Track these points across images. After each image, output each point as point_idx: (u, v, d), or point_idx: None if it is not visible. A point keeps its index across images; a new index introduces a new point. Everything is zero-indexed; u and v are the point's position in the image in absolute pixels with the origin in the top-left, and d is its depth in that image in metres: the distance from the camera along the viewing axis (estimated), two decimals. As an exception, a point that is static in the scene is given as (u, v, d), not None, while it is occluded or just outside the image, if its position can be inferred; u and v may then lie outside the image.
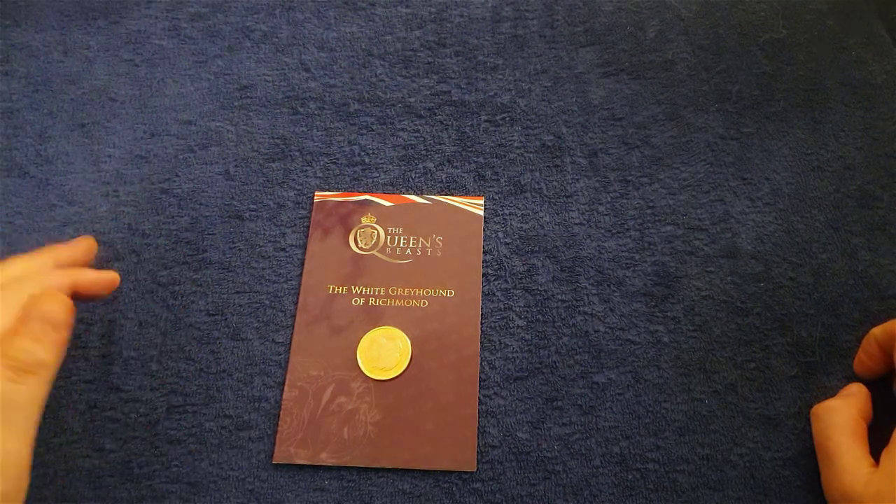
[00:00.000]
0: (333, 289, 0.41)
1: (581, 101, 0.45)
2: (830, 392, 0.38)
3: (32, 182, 0.44)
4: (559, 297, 0.40)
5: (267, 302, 0.41)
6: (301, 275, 0.41)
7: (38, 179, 0.44)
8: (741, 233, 0.42)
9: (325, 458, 0.37)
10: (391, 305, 0.40)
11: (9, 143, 0.45)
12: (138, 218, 0.43)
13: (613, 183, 0.43)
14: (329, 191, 0.43)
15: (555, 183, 0.43)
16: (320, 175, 0.44)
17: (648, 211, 0.42)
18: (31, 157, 0.45)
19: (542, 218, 0.42)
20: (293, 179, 0.43)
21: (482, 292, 0.41)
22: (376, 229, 0.42)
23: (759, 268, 0.41)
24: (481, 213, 0.43)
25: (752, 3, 0.47)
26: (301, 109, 0.45)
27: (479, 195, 0.43)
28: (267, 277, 0.41)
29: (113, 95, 0.46)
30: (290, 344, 0.39)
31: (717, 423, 0.37)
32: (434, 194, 0.43)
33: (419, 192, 0.43)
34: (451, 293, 0.40)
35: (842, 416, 0.35)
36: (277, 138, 0.44)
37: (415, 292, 0.40)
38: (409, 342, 0.39)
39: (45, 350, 0.31)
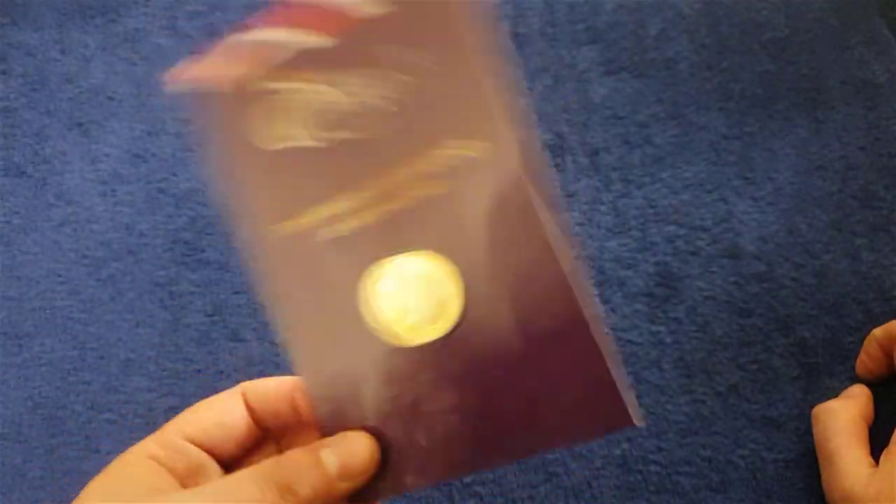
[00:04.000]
0: (280, 229, 0.24)
1: (582, 100, 0.45)
2: (833, 393, 0.37)
3: (30, 181, 0.44)
4: (560, 297, 0.40)
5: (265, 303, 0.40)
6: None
7: (35, 179, 0.44)
8: (744, 233, 0.41)
9: (412, 483, 0.24)
10: (384, 216, 0.23)
11: (6, 142, 0.45)
12: (136, 217, 0.43)
13: (615, 182, 0.43)
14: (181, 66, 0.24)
15: (556, 182, 0.43)
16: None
17: (650, 210, 0.42)
18: (29, 156, 0.44)
19: (542, 218, 0.42)
20: (292, 179, 0.43)
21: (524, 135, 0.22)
22: (291, 91, 0.23)
23: (762, 268, 0.40)
24: None
25: (754, 1, 0.47)
26: (300, 108, 0.45)
27: None
28: (265, 278, 0.41)
29: (111, 94, 0.46)
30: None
31: (719, 425, 0.37)
32: None
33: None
34: (478, 150, 0.22)
35: (842, 417, 0.35)
36: (276, 137, 0.44)
37: (413, 170, 0.22)
38: (445, 265, 0.23)
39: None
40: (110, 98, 0.46)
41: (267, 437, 0.28)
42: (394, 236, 0.23)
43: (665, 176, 0.43)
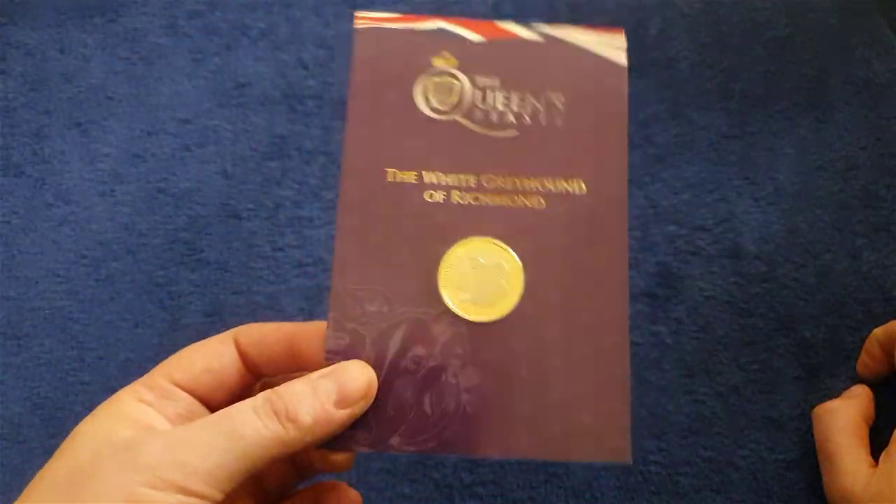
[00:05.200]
0: (395, 174, 0.26)
1: (582, 100, 0.45)
2: (834, 393, 0.37)
3: (29, 181, 0.44)
4: (560, 297, 0.40)
5: (265, 303, 0.40)
6: (341, 159, 0.27)
7: (34, 178, 0.44)
8: (745, 233, 0.41)
9: (398, 444, 0.25)
10: (488, 205, 0.26)
11: (5, 141, 0.45)
12: (135, 217, 0.42)
13: (615, 182, 0.43)
14: (376, 12, 0.28)
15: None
16: (318, 174, 0.43)
17: (651, 210, 0.42)
18: (28, 155, 0.44)
19: (543, 217, 0.42)
20: (291, 178, 0.43)
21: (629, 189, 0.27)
22: (458, 79, 0.27)
23: (763, 268, 0.40)
24: (623, 57, 0.27)
25: (755, 0, 0.47)
26: (299, 107, 0.45)
27: (616, 27, 0.28)
28: (265, 278, 0.41)
29: (110, 94, 0.46)
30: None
31: (719, 425, 0.37)
32: (547, 25, 0.29)
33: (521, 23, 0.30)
34: (580, 188, 0.26)
35: (843, 417, 0.35)
36: (275, 137, 0.44)
37: (524, 184, 0.26)
38: (519, 264, 0.25)
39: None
40: (109, 98, 0.46)
41: (257, 385, 0.27)
42: (485, 223, 0.26)
43: (666, 176, 0.43)
